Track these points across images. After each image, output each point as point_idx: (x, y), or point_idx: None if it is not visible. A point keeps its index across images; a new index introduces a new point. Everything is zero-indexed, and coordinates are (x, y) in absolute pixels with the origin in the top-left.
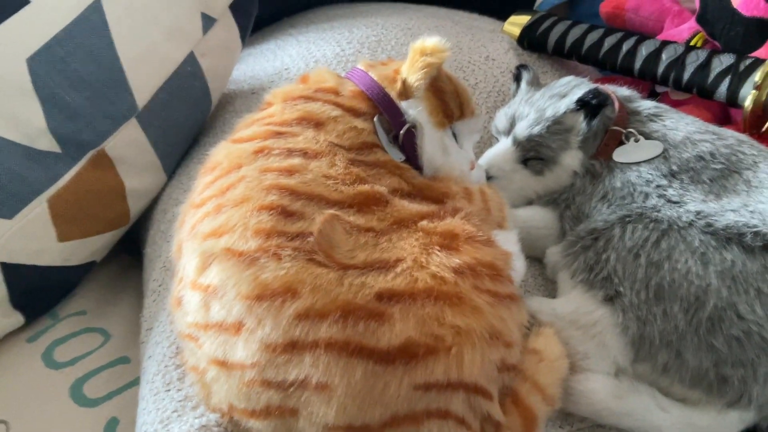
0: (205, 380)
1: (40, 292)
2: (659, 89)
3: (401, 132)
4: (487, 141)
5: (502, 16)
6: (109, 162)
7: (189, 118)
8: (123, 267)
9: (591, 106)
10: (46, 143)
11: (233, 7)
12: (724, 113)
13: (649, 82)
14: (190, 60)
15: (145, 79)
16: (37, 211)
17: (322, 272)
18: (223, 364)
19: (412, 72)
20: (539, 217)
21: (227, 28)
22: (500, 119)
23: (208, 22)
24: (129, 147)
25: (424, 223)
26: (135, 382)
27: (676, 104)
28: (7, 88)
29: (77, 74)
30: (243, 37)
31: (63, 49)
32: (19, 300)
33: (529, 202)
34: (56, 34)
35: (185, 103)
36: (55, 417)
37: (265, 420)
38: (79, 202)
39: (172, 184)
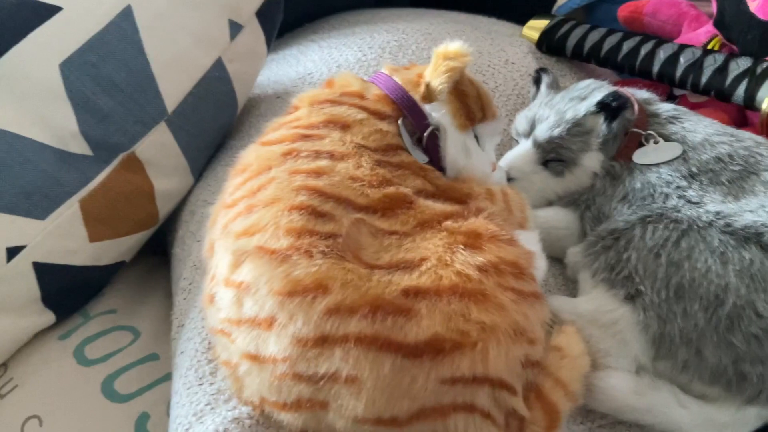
0: (237, 374)
1: (72, 291)
2: (677, 92)
3: (425, 134)
4: (507, 143)
5: (521, 21)
6: (139, 165)
7: (216, 121)
8: (150, 267)
9: (611, 108)
10: (78, 146)
11: (259, 14)
12: (741, 116)
13: (668, 85)
14: (218, 65)
15: (174, 84)
16: (70, 213)
17: (352, 268)
18: (256, 358)
19: (435, 76)
20: (560, 217)
21: (253, 34)
22: (520, 122)
23: (235, 28)
24: (158, 150)
25: (448, 222)
26: (164, 378)
27: (694, 107)
28: (40, 93)
29: (109, 79)
30: (268, 43)
31: (95, 54)
32: (51, 299)
33: (550, 203)
34: (88, 40)
35: (213, 107)
36: (87, 412)
37: (295, 413)
38: (109, 204)
39: (199, 186)
